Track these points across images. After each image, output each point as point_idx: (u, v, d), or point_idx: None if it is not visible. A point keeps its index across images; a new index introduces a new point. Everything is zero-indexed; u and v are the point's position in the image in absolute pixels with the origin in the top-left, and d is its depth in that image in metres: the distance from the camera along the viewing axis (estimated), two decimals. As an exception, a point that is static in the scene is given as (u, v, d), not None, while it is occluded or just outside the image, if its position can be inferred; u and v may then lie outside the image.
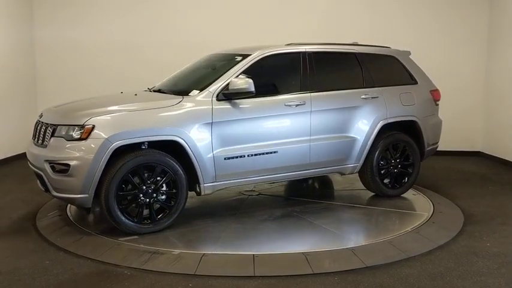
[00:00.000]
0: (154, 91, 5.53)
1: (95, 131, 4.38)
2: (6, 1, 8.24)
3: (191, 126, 4.67)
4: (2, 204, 5.81)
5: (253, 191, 6.13)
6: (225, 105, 4.85)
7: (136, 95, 5.34)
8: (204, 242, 4.56)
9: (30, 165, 4.97)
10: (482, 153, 8.76)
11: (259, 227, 4.87)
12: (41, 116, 5.02)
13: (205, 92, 4.85)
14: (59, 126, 4.55)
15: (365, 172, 5.71)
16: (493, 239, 4.66)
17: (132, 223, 4.53)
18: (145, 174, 4.56)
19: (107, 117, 4.49)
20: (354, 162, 5.57)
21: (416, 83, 6.03)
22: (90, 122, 4.41)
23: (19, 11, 8.62)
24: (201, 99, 4.82)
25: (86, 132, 4.37)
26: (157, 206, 4.70)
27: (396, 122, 5.77)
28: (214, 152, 4.79)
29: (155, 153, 4.58)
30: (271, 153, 5.07)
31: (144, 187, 4.55)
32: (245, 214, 5.27)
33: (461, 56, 8.68)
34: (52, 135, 4.58)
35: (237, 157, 4.90)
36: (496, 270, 3.95)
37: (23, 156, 8.44)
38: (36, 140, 4.87)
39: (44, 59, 9.05)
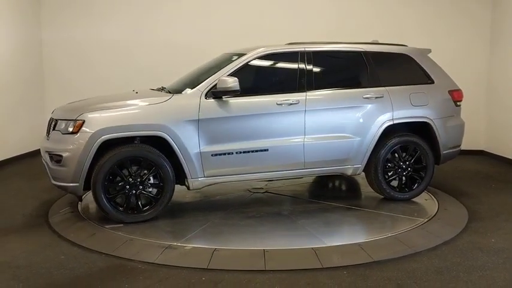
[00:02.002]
0: (158, 90, 5.66)
1: (85, 125, 4.75)
2: (15, 1, 8.34)
3: (176, 123, 4.88)
4: (14, 201, 5.91)
5: (261, 188, 6.23)
6: (213, 103, 5.00)
7: (137, 93, 5.57)
8: (175, 234, 4.69)
9: (42, 160, 5.19)
10: (486, 152, 8.86)
11: (241, 223, 4.98)
12: (52, 112, 5.32)
13: (194, 90, 5.05)
14: (59, 121, 4.98)
15: (370, 174, 5.60)
16: (498, 235, 4.75)
17: (117, 212, 4.84)
18: (135, 167, 4.87)
19: (96, 113, 4.83)
20: (356, 163, 5.46)
21: (432, 82, 5.78)
22: (81, 117, 4.78)
23: (27, 11, 8.72)
24: (189, 97, 5.02)
25: (77, 127, 4.76)
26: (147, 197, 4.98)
27: (405, 123, 5.60)
28: (201, 148, 4.95)
29: (140, 148, 4.85)
30: (261, 151, 5.14)
31: (131, 179, 4.83)
32: (235, 210, 5.40)
33: (464, 57, 8.77)
34: (53, 128, 5.02)
35: (224, 154, 5.03)
36: (501, 265, 4.04)
37: (31, 155, 8.58)
38: (46, 134, 5.21)
39: (52, 58, 9.16)
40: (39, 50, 9.09)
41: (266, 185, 6.36)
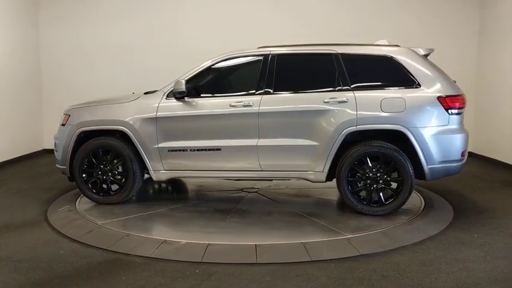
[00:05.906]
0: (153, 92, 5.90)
1: (69, 119, 5.71)
2: (13, 2, 8.50)
3: (137, 120, 5.47)
4: (14, 200, 6.08)
5: (258, 188, 6.40)
6: (171, 103, 5.45)
7: (133, 93, 6.06)
8: (115, 215, 5.26)
9: None
10: (474, 153, 9.05)
11: (177, 215, 5.34)
12: None
13: (159, 91, 5.57)
14: (63, 115, 5.86)
15: (337, 183, 5.22)
16: (481, 231, 4.94)
17: (91, 193, 5.67)
18: (108, 157, 5.59)
19: (78, 109, 5.79)
20: (317, 170, 5.21)
21: (418, 86, 5.13)
22: (68, 112, 5.80)
23: (25, 13, 8.89)
24: (152, 98, 5.56)
25: (65, 120, 5.76)
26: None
27: (375, 130, 5.14)
28: (159, 144, 5.44)
29: (107, 140, 5.58)
30: (214, 150, 5.37)
31: (102, 166, 5.57)
32: (195, 204, 5.80)
33: (451, 58, 8.95)
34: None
35: (179, 150, 5.45)
36: (482, 257, 4.23)
37: (29, 157, 8.75)
38: None
39: (50, 60, 9.33)
40: (37, 52, 9.25)
41: (269, 186, 6.48)
